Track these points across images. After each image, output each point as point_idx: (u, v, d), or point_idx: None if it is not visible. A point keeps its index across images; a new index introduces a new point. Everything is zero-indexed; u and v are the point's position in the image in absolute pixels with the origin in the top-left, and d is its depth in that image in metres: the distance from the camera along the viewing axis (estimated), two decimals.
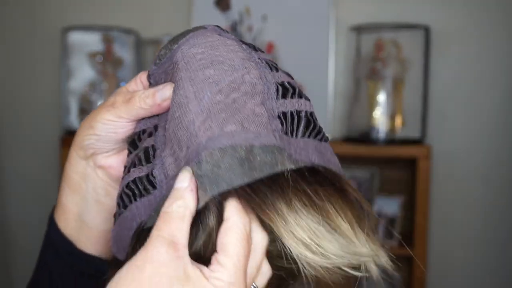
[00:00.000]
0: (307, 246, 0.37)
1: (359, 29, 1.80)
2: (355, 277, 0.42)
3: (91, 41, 1.87)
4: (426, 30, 1.75)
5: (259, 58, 0.43)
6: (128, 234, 0.42)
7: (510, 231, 1.80)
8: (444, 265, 1.85)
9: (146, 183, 0.41)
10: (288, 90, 0.42)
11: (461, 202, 1.83)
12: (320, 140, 0.42)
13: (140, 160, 0.43)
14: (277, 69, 0.44)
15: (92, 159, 0.48)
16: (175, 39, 0.44)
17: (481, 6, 1.78)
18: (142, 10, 1.97)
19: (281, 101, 0.41)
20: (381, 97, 1.74)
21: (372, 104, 1.75)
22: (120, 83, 1.87)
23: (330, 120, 1.83)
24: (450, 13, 1.80)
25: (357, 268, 0.41)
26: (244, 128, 0.38)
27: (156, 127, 0.44)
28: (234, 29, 1.89)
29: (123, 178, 0.44)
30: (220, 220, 0.37)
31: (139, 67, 1.89)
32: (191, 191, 0.36)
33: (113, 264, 0.44)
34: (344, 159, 1.86)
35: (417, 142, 1.73)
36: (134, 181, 0.42)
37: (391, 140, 1.71)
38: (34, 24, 2.01)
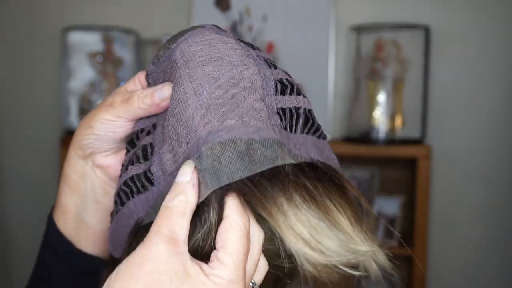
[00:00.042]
0: (306, 242, 0.37)
1: (359, 29, 1.80)
2: (354, 277, 0.42)
3: (91, 41, 1.87)
4: (426, 30, 1.75)
5: (257, 56, 0.43)
6: (125, 231, 0.42)
7: (510, 231, 1.80)
8: (444, 265, 1.85)
9: (143, 179, 0.41)
10: (286, 86, 0.43)
11: (461, 202, 1.83)
12: (319, 137, 0.42)
13: (138, 157, 0.43)
14: (275, 67, 0.44)
15: (91, 158, 0.48)
16: (174, 38, 0.44)
17: (481, 6, 1.78)
18: (142, 10, 1.97)
19: (279, 97, 0.41)
20: (381, 97, 1.74)
21: (372, 104, 1.75)
22: (120, 83, 1.87)
23: (330, 120, 1.83)
24: (450, 13, 1.80)
25: (355, 267, 0.41)
26: (244, 122, 0.38)
27: (154, 126, 0.44)
28: (234, 29, 1.89)
29: (120, 176, 0.44)
30: (219, 216, 0.37)
31: (139, 67, 1.89)
32: (192, 186, 0.36)
33: (109, 263, 0.44)
34: (344, 159, 1.85)
35: (417, 142, 1.73)
36: (131, 178, 0.42)
37: (391, 140, 1.71)
38: (34, 24, 2.01)
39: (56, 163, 1.95)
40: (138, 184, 0.42)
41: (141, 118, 0.45)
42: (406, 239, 1.72)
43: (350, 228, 0.39)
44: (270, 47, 1.87)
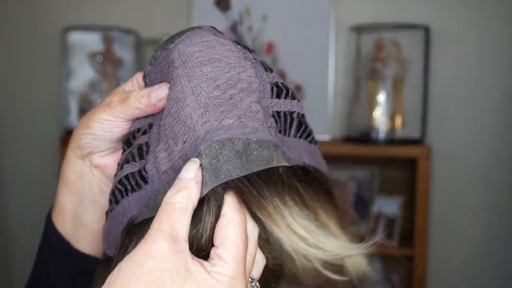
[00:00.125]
0: (304, 239, 0.38)
1: (359, 29, 1.80)
2: (353, 278, 0.43)
3: (91, 41, 1.87)
4: (426, 30, 1.75)
5: (254, 59, 0.44)
6: (119, 229, 0.42)
7: (510, 231, 1.80)
8: (444, 265, 1.85)
9: (138, 178, 0.41)
10: (282, 90, 0.43)
11: (461, 202, 1.83)
12: (310, 142, 0.43)
13: (133, 156, 0.43)
14: (271, 70, 0.44)
15: (89, 158, 0.48)
16: (171, 39, 0.45)
17: (481, 6, 1.78)
18: (142, 10, 1.97)
19: (275, 100, 0.42)
20: (381, 97, 1.74)
21: (372, 104, 1.75)
22: (120, 83, 1.86)
23: (330, 120, 1.83)
24: (450, 13, 1.80)
25: (339, 271, 0.42)
26: (242, 122, 0.38)
27: (150, 125, 0.44)
28: (234, 29, 1.89)
29: (116, 175, 0.44)
30: (216, 214, 0.37)
31: (139, 67, 1.89)
32: (196, 183, 0.36)
33: (104, 261, 0.44)
34: (344, 159, 1.84)
35: (417, 142, 1.73)
36: (126, 176, 0.42)
37: (391, 140, 1.71)
38: (34, 24, 2.01)
39: (56, 163, 1.95)
40: (132, 182, 0.42)
41: (138, 118, 0.46)
42: (406, 239, 1.72)
43: (337, 231, 0.40)
44: (270, 47, 1.87)
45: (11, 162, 2.07)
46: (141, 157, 0.42)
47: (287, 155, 0.39)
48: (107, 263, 0.42)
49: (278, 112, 0.42)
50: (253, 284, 0.38)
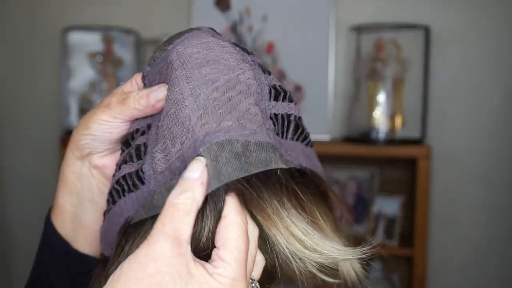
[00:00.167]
0: (302, 242, 0.38)
1: (359, 29, 1.80)
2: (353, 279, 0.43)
3: (91, 41, 1.87)
4: (426, 30, 1.75)
5: (252, 61, 0.44)
6: (116, 230, 0.42)
7: (510, 231, 1.80)
8: (444, 265, 1.85)
9: (135, 178, 0.42)
10: (280, 93, 0.44)
11: (461, 202, 1.83)
12: (306, 145, 0.44)
13: (131, 157, 0.43)
14: (269, 73, 0.45)
15: (88, 159, 0.48)
16: (170, 40, 0.45)
17: (481, 6, 1.78)
18: (142, 10, 1.97)
19: (273, 103, 0.42)
20: (381, 97, 1.74)
21: (372, 104, 1.75)
22: (120, 83, 1.86)
23: (330, 120, 1.83)
24: (450, 13, 1.80)
25: (334, 274, 0.42)
26: (240, 124, 0.38)
27: (149, 126, 0.44)
28: (234, 29, 1.89)
29: (114, 175, 0.45)
30: (215, 215, 0.37)
31: (139, 67, 1.90)
32: (201, 183, 0.36)
33: (102, 261, 0.44)
34: (344, 159, 1.84)
35: (417, 142, 1.73)
36: (124, 177, 0.43)
37: (391, 140, 1.71)
38: (34, 24, 2.01)
39: (56, 163, 1.95)
40: (129, 182, 0.42)
41: (137, 119, 0.46)
42: (406, 239, 1.72)
43: (332, 234, 0.41)
44: (270, 47, 1.87)
45: (11, 162, 2.07)
46: (138, 157, 0.42)
47: (284, 158, 0.39)
48: (104, 263, 0.42)
49: (275, 115, 0.42)
50: (253, 285, 0.38)
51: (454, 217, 1.83)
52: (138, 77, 0.48)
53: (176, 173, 0.39)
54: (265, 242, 0.41)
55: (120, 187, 0.42)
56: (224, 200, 0.37)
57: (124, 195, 0.42)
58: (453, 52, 1.80)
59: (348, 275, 0.43)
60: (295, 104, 0.44)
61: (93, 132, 0.46)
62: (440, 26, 1.79)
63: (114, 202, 0.43)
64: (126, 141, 0.46)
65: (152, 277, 0.32)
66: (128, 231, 0.40)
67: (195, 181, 0.36)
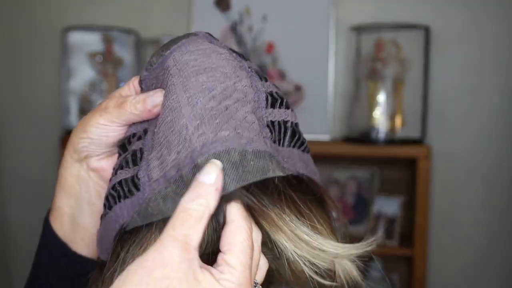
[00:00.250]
0: (308, 243, 0.39)
1: (359, 29, 1.80)
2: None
3: (91, 41, 1.87)
4: (426, 30, 1.75)
5: (249, 67, 0.44)
6: (111, 235, 0.42)
7: (510, 231, 1.80)
8: (444, 265, 1.85)
9: (130, 184, 0.41)
10: (276, 100, 0.44)
11: (461, 202, 1.83)
12: (303, 151, 0.44)
13: (127, 162, 0.43)
14: (266, 79, 0.45)
15: (86, 162, 0.49)
16: (167, 46, 0.45)
17: (481, 6, 1.78)
18: (142, 10, 1.97)
19: (270, 110, 0.42)
20: (381, 97, 1.74)
21: (372, 104, 1.75)
22: (120, 83, 1.87)
23: (330, 120, 1.83)
24: (450, 13, 1.80)
25: (330, 276, 0.43)
26: (237, 134, 0.38)
27: (145, 131, 0.44)
28: (234, 29, 1.89)
29: (110, 180, 0.44)
30: (215, 224, 0.38)
31: (139, 67, 1.90)
32: (215, 190, 0.36)
33: (99, 265, 0.44)
34: (344, 159, 1.84)
35: (417, 142, 1.73)
36: (120, 182, 0.42)
37: (391, 140, 1.71)
38: (34, 24, 2.01)
39: (56, 163, 1.95)
40: (125, 188, 0.42)
41: (134, 123, 0.46)
42: (406, 239, 1.72)
43: (331, 237, 0.42)
44: (270, 47, 1.87)
45: (11, 162, 2.07)
46: (134, 163, 0.42)
47: (282, 165, 0.39)
48: (101, 267, 0.42)
49: (272, 122, 0.42)
50: None
51: (454, 217, 1.83)
52: (135, 81, 0.48)
53: (171, 181, 0.38)
54: (271, 248, 0.42)
55: (116, 192, 0.42)
56: (224, 209, 0.38)
57: (119, 201, 0.42)
58: (453, 52, 1.80)
59: (349, 275, 0.43)
60: (292, 110, 0.45)
61: (91, 136, 0.46)
62: (440, 26, 1.79)
63: (110, 207, 0.43)
64: (122, 145, 0.46)
65: (160, 281, 0.32)
66: (124, 237, 0.40)
67: (209, 187, 0.35)
